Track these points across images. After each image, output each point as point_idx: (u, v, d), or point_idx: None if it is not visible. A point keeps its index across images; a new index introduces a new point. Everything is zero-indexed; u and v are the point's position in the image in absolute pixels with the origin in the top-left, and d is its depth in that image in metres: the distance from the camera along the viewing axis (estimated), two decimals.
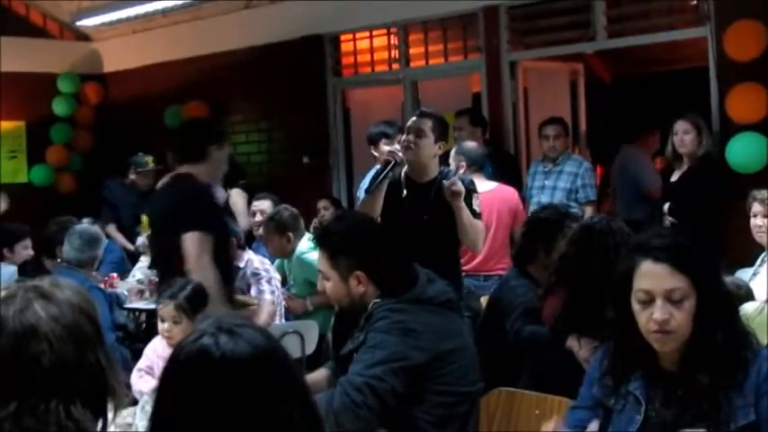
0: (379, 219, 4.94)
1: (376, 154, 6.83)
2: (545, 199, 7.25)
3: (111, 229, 8.64)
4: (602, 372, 2.69)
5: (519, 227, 6.49)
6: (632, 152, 8.26)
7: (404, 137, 5.23)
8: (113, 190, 8.98)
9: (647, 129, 8.29)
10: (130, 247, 8.61)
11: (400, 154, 5.05)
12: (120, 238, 8.76)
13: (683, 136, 6.50)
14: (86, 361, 1.90)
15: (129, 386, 4.28)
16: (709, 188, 6.38)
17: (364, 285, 3.40)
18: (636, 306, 2.56)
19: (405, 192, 5.14)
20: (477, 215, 5.09)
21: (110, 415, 1.98)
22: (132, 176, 9.05)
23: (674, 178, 6.64)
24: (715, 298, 2.55)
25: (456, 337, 3.38)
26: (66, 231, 6.82)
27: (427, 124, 5.15)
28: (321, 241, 3.56)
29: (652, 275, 2.54)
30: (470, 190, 5.09)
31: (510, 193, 6.68)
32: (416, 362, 3.23)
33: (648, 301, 2.53)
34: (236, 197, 8.34)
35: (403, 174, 5.19)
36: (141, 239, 8.05)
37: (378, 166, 5.43)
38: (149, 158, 9.30)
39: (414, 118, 5.28)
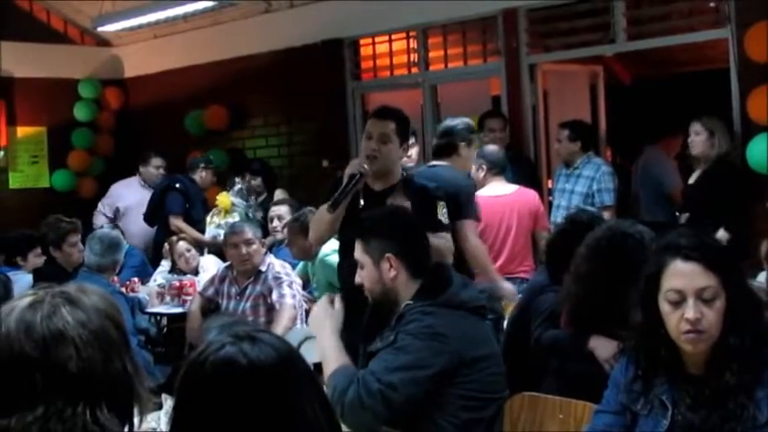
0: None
1: None
2: (564, 202, 7.29)
3: (179, 221, 8.59)
4: (629, 377, 2.69)
5: (540, 229, 6.52)
6: (655, 154, 8.23)
7: (365, 143, 4.69)
8: (186, 184, 8.88)
9: (670, 131, 8.26)
10: (205, 239, 8.54)
11: (366, 166, 4.57)
12: (192, 231, 8.56)
13: (694, 137, 6.53)
14: (113, 366, 1.91)
15: (153, 391, 4.29)
16: (725, 190, 6.35)
17: (396, 269, 3.43)
18: (666, 307, 2.56)
19: (362, 202, 4.65)
20: (442, 225, 4.60)
21: (135, 420, 1.99)
22: (202, 174, 9.02)
23: (691, 180, 6.65)
24: (742, 298, 2.55)
25: (485, 344, 3.39)
26: (56, 232, 6.90)
27: (390, 127, 4.65)
28: (356, 230, 3.64)
29: (683, 274, 2.54)
30: (434, 197, 4.68)
31: (530, 195, 6.68)
32: (440, 368, 3.23)
33: (679, 301, 2.53)
34: (282, 197, 8.56)
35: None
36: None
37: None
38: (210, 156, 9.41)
39: (373, 120, 4.75)
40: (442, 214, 4.65)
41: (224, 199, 8.80)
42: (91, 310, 1.92)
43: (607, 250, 3.82)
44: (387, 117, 4.73)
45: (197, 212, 8.80)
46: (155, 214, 8.93)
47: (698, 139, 6.50)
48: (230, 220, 8.54)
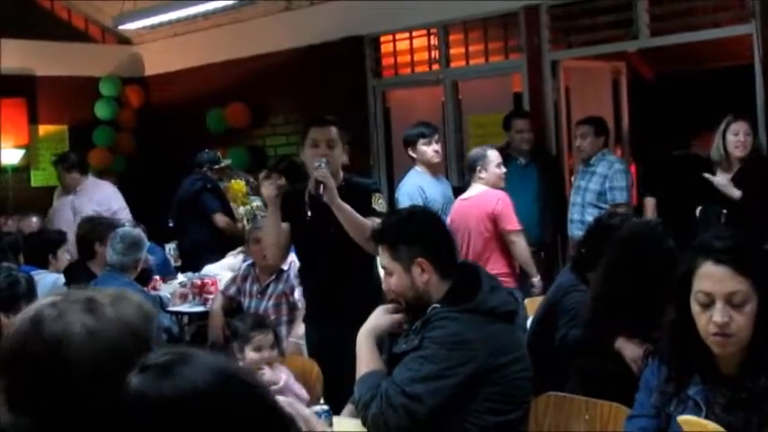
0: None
1: (414, 155, 6.83)
2: (578, 199, 7.29)
3: (225, 217, 8.62)
4: (662, 379, 2.65)
5: (505, 231, 6.43)
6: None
7: (311, 151, 4.79)
8: (214, 183, 8.89)
9: (706, 127, 8.11)
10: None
11: (323, 171, 4.64)
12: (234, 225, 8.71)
13: (745, 138, 6.27)
14: (120, 377, 1.83)
15: None
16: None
17: (428, 273, 3.36)
18: (695, 308, 2.53)
19: (309, 213, 4.80)
20: (376, 213, 4.70)
21: None
22: (207, 174, 8.98)
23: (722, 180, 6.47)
24: None
25: (513, 349, 3.32)
26: (94, 230, 6.89)
27: (334, 132, 4.85)
28: (379, 237, 3.54)
29: (713, 277, 2.50)
30: (371, 190, 4.86)
31: (490, 198, 6.51)
32: (466, 377, 3.19)
33: (708, 303, 2.50)
34: None
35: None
36: None
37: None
38: (219, 154, 9.33)
39: (316, 128, 4.86)
40: (378, 204, 4.80)
41: (239, 185, 8.81)
42: (108, 318, 1.88)
43: (625, 253, 3.81)
44: (328, 123, 4.91)
45: (227, 208, 8.82)
46: (189, 216, 8.87)
47: (749, 139, 6.28)
48: (257, 203, 8.61)
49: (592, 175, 7.22)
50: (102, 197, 9.12)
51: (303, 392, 4.32)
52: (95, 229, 6.94)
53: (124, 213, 8.90)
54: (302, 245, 5.02)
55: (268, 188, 4.82)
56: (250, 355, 4.44)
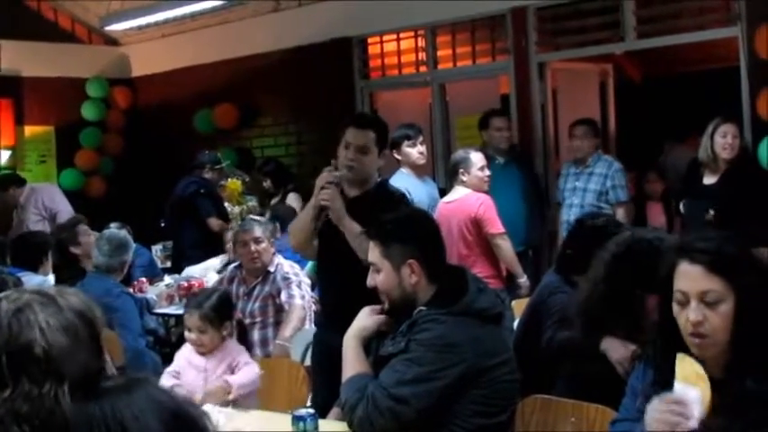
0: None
1: (398, 157, 6.82)
2: (576, 201, 7.25)
3: (219, 221, 8.61)
4: (647, 382, 2.65)
5: (489, 235, 6.47)
6: (683, 152, 8.20)
7: (343, 152, 4.60)
8: (209, 187, 8.86)
9: (696, 129, 8.18)
10: None
11: (338, 173, 4.54)
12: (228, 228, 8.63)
13: (733, 140, 6.41)
14: (80, 355, 1.92)
15: None
16: (755, 187, 6.29)
17: (417, 275, 3.36)
18: (675, 308, 2.54)
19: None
20: None
21: None
22: (207, 175, 8.97)
23: (709, 181, 6.53)
24: (758, 302, 2.48)
25: (500, 351, 3.33)
26: (69, 229, 6.89)
27: (370, 137, 4.56)
28: (374, 232, 3.52)
29: (687, 276, 2.51)
30: (401, 202, 4.62)
31: (472, 201, 6.54)
32: (453, 379, 3.19)
33: (685, 302, 2.50)
34: (295, 203, 8.50)
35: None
36: None
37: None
38: (220, 155, 9.32)
39: (353, 130, 4.60)
40: None
41: (235, 185, 8.82)
42: (64, 307, 1.96)
43: (630, 257, 3.80)
44: (366, 127, 4.65)
45: (224, 211, 8.80)
46: (182, 219, 8.84)
47: (737, 141, 6.41)
48: (252, 203, 8.62)
49: (590, 176, 7.24)
50: (36, 201, 9.46)
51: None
52: (63, 235, 6.97)
53: (64, 215, 9.11)
54: (322, 242, 4.72)
55: (322, 178, 4.56)
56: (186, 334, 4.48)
